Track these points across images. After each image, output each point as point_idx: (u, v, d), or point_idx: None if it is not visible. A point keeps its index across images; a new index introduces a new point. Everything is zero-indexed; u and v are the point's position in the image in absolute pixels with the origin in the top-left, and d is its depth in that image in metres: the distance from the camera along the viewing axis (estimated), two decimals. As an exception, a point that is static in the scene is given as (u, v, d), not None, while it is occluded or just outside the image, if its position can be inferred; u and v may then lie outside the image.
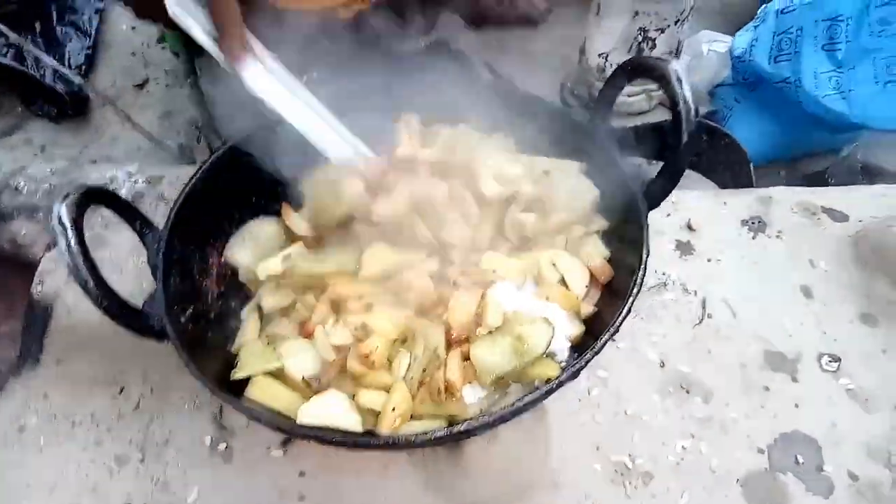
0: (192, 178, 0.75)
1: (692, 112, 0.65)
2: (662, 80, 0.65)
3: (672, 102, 0.64)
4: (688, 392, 0.84)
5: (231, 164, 0.79)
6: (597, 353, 0.58)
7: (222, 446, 0.79)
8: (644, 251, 0.64)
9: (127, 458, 0.78)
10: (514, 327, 0.67)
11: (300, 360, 0.69)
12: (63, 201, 0.57)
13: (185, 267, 0.72)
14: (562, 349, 0.72)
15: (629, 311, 0.61)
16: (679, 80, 0.64)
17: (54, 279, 0.91)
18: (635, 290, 0.61)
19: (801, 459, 0.80)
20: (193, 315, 0.69)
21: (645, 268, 0.64)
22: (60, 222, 0.55)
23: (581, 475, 0.77)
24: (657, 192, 0.69)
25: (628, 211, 0.70)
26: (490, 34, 1.79)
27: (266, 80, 0.74)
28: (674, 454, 0.79)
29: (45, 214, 0.98)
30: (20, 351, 0.86)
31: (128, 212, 0.67)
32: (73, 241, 0.55)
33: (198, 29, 0.71)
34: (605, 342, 0.59)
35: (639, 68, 0.68)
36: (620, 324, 0.60)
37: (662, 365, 0.87)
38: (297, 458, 0.77)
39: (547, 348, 0.67)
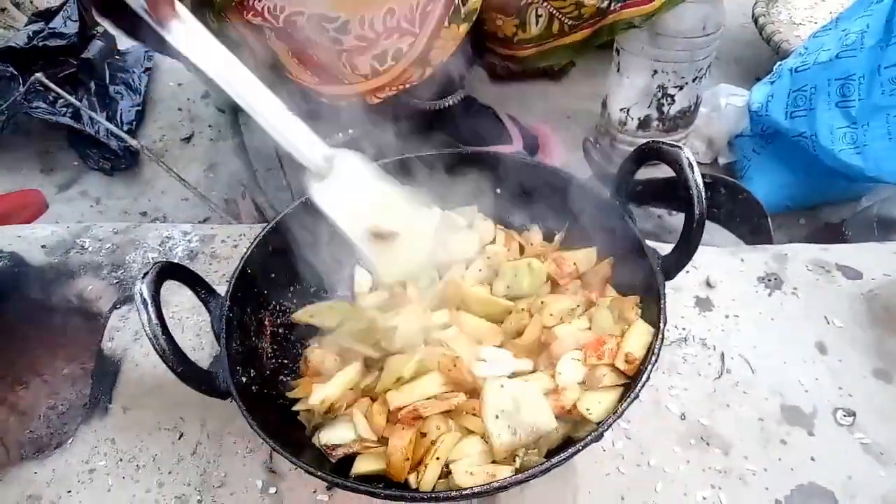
0: (248, 249, 0.83)
1: (702, 196, 0.71)
2: (675, 165, 0.72)
3: (684, 186, 0.71)
4: (708, 444, 0.89)
5: (283, 235, 0.87)
6: (619, 416, 0.64)
7: (272, 490, 0.85)
8: (661, 321, 0.70)
9: (186, 499, 0.85)
10: None
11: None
12: (143, 279, 0.65)
13: (243, 330, 0.80)
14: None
15: (648, 378, 0.67)
16: (690, 167, 0.71)
17: (123, 336, 1.00)
18: (654, 360, 0.67)
19: (816, 511, 0.84)
20: (251, 373, 0.76)
21: (663, 336, 0.70)
22: (142, 298, 0.63)
23: (606, 525, 0.82)
24: (672, 264, 0.76)
25: (647, 283, 0.76)
26: (513, 88, 1.88)
27: (192, 40, 0.75)
28: (694, 504, 0.84)
29: (109, 272, 1.07)
30: (90, 399, 0.94)
31: (194, 282, 0.76)
32: (153, 316, 0.63)
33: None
34: (627, 406, 0.64)
35: (653, 153, 0.75)
36: (640, 389, 0.66)
37: (683, 417, 0.91)
38: (343, 501, 0.83)
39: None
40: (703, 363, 0.97)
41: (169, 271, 0.69)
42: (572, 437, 0.74)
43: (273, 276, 0.87)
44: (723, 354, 0.98)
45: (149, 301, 0.63)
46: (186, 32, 0.75)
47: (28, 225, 1.20)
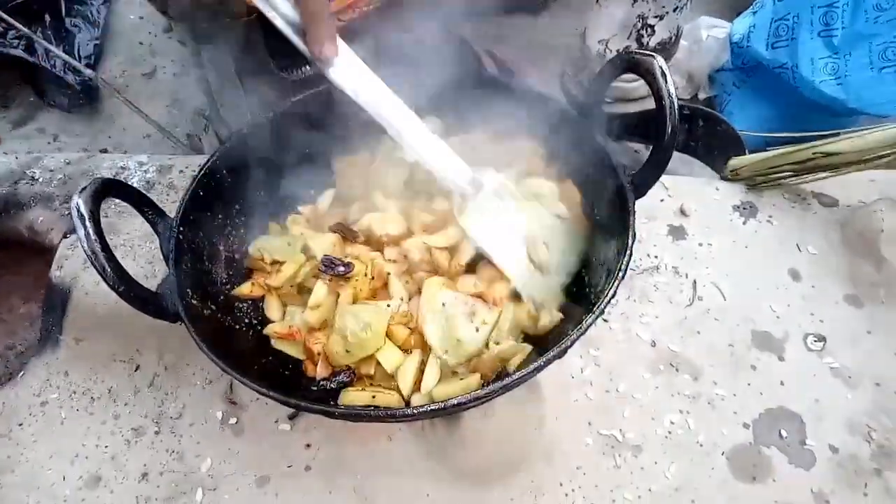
0: (200, 169, 0.78)
1: (675, 106, 0.68)
2: (648, 74, 0.68)
3: (657, 96, 0.67)
4: (677, 370, 0.88)
5: (238, 156, 0.82)
6: (583, 332, 0.62)
7: (233, 420, 0.83)
8: (629, 236, 0.67)
9: (143, 430, 0.83)
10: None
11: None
12: (80, 194, 0.61)
13: (195, 254, 0.76)
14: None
15: (615, 293, 0.64)
16: (663, 76, 0.67)
17: (72, 264, 0.95)
18: (621, 273, 0.65)
19: (784, 434, 0.83)
20: (203, 298, 0.73)
21: (630, 252, 0.67)
22: (79, 213, 0.59)
23: (573, 448, 0.81)
24: (644, 180, 0.73)
25: (617, 199, 0.73)
26: (490, 22, 1.81)
27: (353, 75, 0.73)
28: (662, 429, 0.83)
29: (61, 203, 1.02)
30: (41, 332, 0.90)
31: (140, 202, 0.71)
32: (91, 231, 0.59)
33: (280, 20, 0.68)
34: (591, 322, 0.62)
35: (626, 64, 0.71)
36: (606, 304, 0.64)
37: (653, 344, 0.90)
38: (304, 431, 0.82)
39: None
40: (674, 291, 0.95)
41: (109, 187, 0.65)
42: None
43: (227, 199, 0.83)
44: (695, 282, 0.96)
45: (86, 216, 0.59)
46: (346, 66, 0.72)
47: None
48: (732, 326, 0.92)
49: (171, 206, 1.02)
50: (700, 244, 1.00)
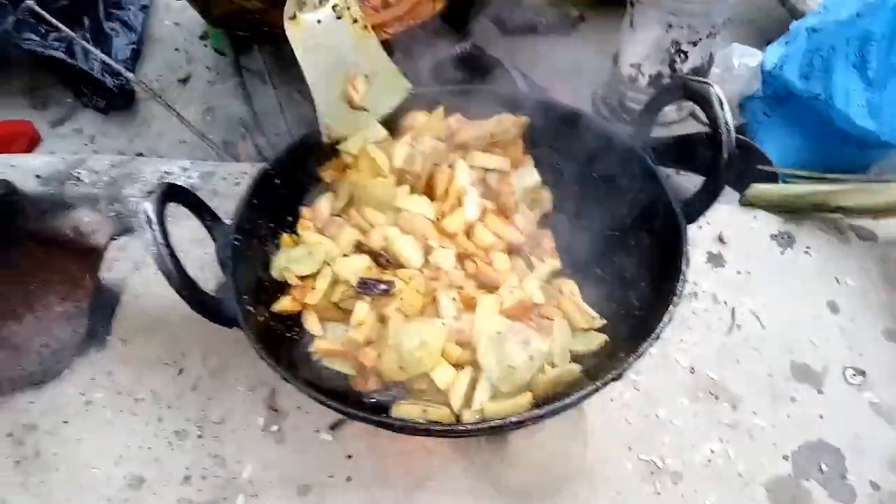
0: (256, 177, 0.79)
1: (732, 135, 0.68)
2: (705, 102, 0.69)
3: (713, 125, 0.68)
4: (716, 398, 0.88)
5: (287, 167, 0.84)
6: (640, 356, 0.62)
7: (274, 427, 0.83)
8: (684, 263, 0.68)
9: (186, 433, 0.83)
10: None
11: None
12: (148, 198, 0.62)
13: (249, 261, 0.77)
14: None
15: (671, 318, 0.65)
16: (721, 104, 0.68)
17: (122, 266, 0.97)
18: (677, 299, 0.65)
19: (824, 467, 0.83)
20: (255, 304, 0.73)
21: (685, 278, 0.68)
22: (147, 217, 0.60)
23: (614, 472, 0.81)
24: (696, 207, 0.73)
25: (668, 224, 0.73)
26: (522, 41, 1.83)
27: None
28: (702, 457, 0.83)
29: (106, 204, 1.03)
30: (87, 331, 0.91)
31: (199, 208, 0.72)
32: (159, 235, 0.60)
33: None
34: (648, 346, 0.62)
35: (683, 90, 0.72)
36: (662, 330, 0.64)
37: (692, 371, 0.90)
38: (345, 442, 0.82)
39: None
40: (713, 318, 0.96)
41: (174, 193, 0.66)
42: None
43: (279, 208, 0.84)
44: (733, 310, 0.97)
45: (154, 220, 0.60)
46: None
47: (21, 154, 1.15)
48: (771, 356, 0.92)
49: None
50: (738, 272, 1.01)
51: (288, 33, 0.78)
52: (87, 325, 0.92)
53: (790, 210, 1.07)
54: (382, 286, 0.72)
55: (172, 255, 0.61)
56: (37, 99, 1.68)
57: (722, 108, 0.68)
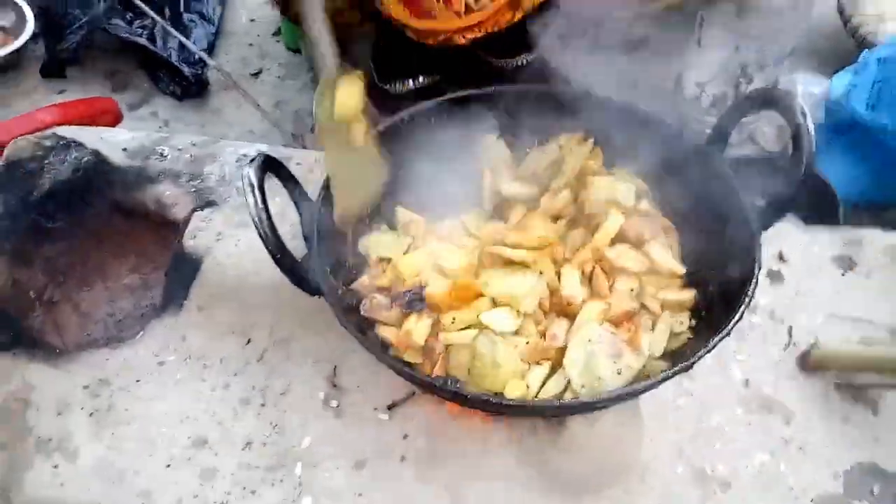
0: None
1: (812, 146, 0.70)
2: (788, 112, 0.70)
3: (795, 133, 0.69)
4: (770, 411, 0.88)
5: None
6: (710, 350, 0.63)
7: (334, 403, 0.87)
8: (756, 267, 0.69)
9: (249, 401, 0.87)
10: None
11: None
12: (250, 165, 0.66)
13: (330, 237, 0.80)
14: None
15: (741, 316, 0.66)
16: (804, 115, 0.70)
17: (206, 235, 1.01)
18: (747, 297, 0.67)
19: (876, 491, 0.83)
20: (335, 278, 0.77)
21: (756, 282, 0.69)
22: (250, 182, 0.64)
23: (664, 474, 0.82)
24: (767, 218, 0.74)
25: (742, 229, 0.75)
26: (585, 57, 1.85)
27: None
28: (752, 467, 0.84)
29: (188, 180, 1.09)
30: (163, 295, 0.96)
31: (291, 181, 0.77)
32: (258, 200, 0.65)
33: None
34: (718, 342, 0.64)
35: (766, 99, 0.74)
36: (734, 325, 0.65)
37: (746, 384, 0.91)
38: (402, 422, 0.85)
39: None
40: (770, 333, 0.96)
41: (271, 163, 0.70)
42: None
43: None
44: (790, 328, 0.96)
45: (255, 185, 0.64)
46: None
47: (110, 128, 1.22)
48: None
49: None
50: (797, 292, 1.01)
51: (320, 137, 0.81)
52: (162, 293, 0.97)
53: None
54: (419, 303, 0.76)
55: (270, 219, 0.65)
56: (116, 82, 1.77)
57: (805, 119, 0.69)
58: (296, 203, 0.78)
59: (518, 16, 1.09)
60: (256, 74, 1.82)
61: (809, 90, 1.65)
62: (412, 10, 1.10)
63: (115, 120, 1.41)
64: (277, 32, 1.90)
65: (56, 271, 1.08)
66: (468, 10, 1.06)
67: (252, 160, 0.66)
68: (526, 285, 0.75)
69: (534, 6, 1.08)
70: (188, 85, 1.71)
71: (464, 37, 1.12)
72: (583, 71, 1.69)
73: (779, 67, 1.46)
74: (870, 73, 1.45)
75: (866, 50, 1.53)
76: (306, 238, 0.75)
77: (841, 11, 1.79)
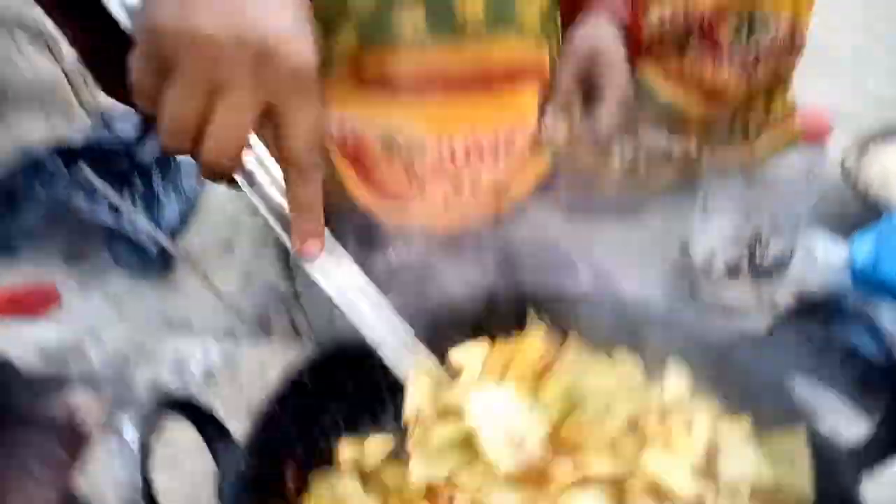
0: (276, 390, 0.64)
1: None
2: (873, 326, 0.53)
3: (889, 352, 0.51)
4: None
5: (320, 373, 0.69)
6: None
7: None
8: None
9: None
10: None
11: None
12: (133, 418, 0.47)
13: (259, 486, 0.59)
14: None
15: None
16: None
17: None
18: None
19: None
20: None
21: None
22: (126, 443, 0.45)
23: None
24: (872, 456, 0.53)
25: (828, 481, 0.53)
26: (584, 224, 1.75)
27: (336, 275, 0.66)
28: None
29: (107, 387, 0.90)
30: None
31: (203, 421, 0.56)
32: (136, 468, 0.44)
33: (264, 206, 0.64)
34: None
35: (831, 309, 0.57)
36: None
37: None
38: None
39: None
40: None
41: (172, 406, 0.50)
42: None
43: (306, 417, 0.67)
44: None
45: (134, 448, 0.45)
46: (331, 265, 0.66)
47: (34, 321, 1.06)
48: None
49: (229, 405, 0.88)
50: None
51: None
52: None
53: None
54: None
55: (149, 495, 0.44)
56: (71, 254, 1.62)
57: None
58: (208, 441, 0.56)
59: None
60: (228, 248, 1.69)
61: (830, 252, 1.53)
62: (385, 204, 1.01)
63: (50, 305, 1.25)
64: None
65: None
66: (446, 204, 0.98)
67: (141, 406, 0.47)
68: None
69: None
70: (150, 261, 1.57)
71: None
72: (582, 240, 1.59)
73: (796, 231, 1.36)
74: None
75: (876, 216, 1.43)
76: (219, 493, 0.53)
77: (846, 174, 1.71)
